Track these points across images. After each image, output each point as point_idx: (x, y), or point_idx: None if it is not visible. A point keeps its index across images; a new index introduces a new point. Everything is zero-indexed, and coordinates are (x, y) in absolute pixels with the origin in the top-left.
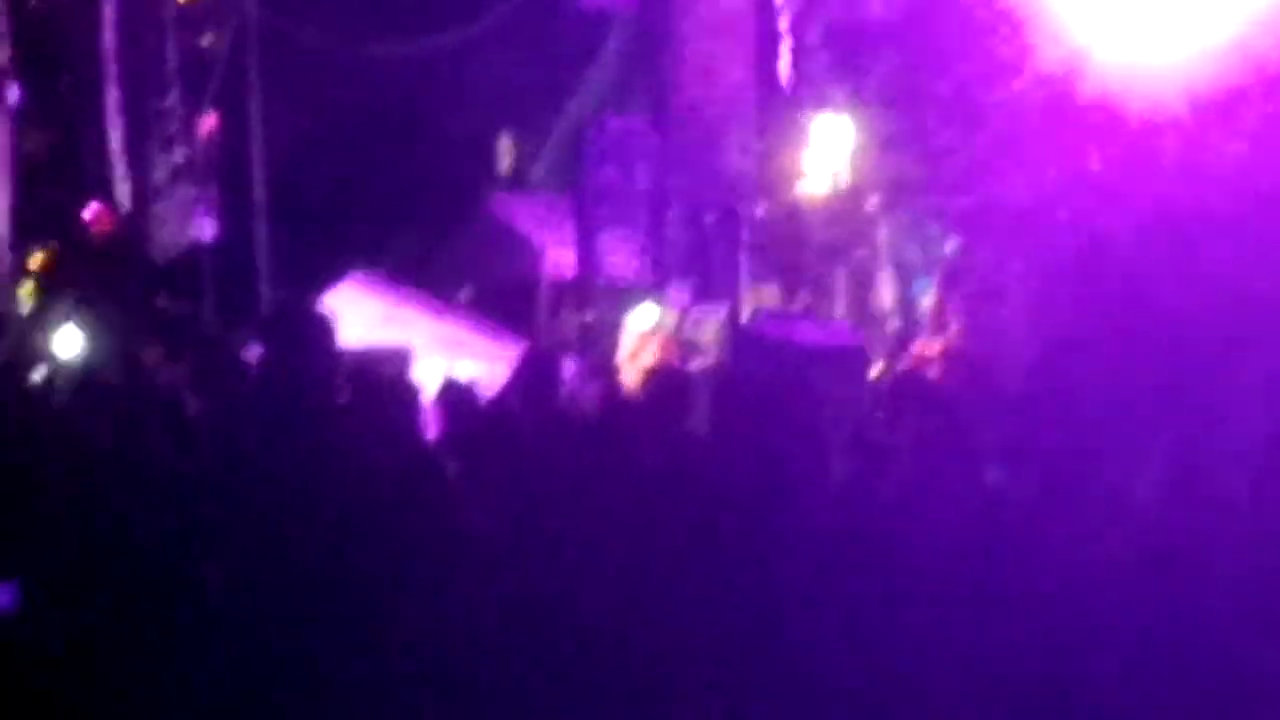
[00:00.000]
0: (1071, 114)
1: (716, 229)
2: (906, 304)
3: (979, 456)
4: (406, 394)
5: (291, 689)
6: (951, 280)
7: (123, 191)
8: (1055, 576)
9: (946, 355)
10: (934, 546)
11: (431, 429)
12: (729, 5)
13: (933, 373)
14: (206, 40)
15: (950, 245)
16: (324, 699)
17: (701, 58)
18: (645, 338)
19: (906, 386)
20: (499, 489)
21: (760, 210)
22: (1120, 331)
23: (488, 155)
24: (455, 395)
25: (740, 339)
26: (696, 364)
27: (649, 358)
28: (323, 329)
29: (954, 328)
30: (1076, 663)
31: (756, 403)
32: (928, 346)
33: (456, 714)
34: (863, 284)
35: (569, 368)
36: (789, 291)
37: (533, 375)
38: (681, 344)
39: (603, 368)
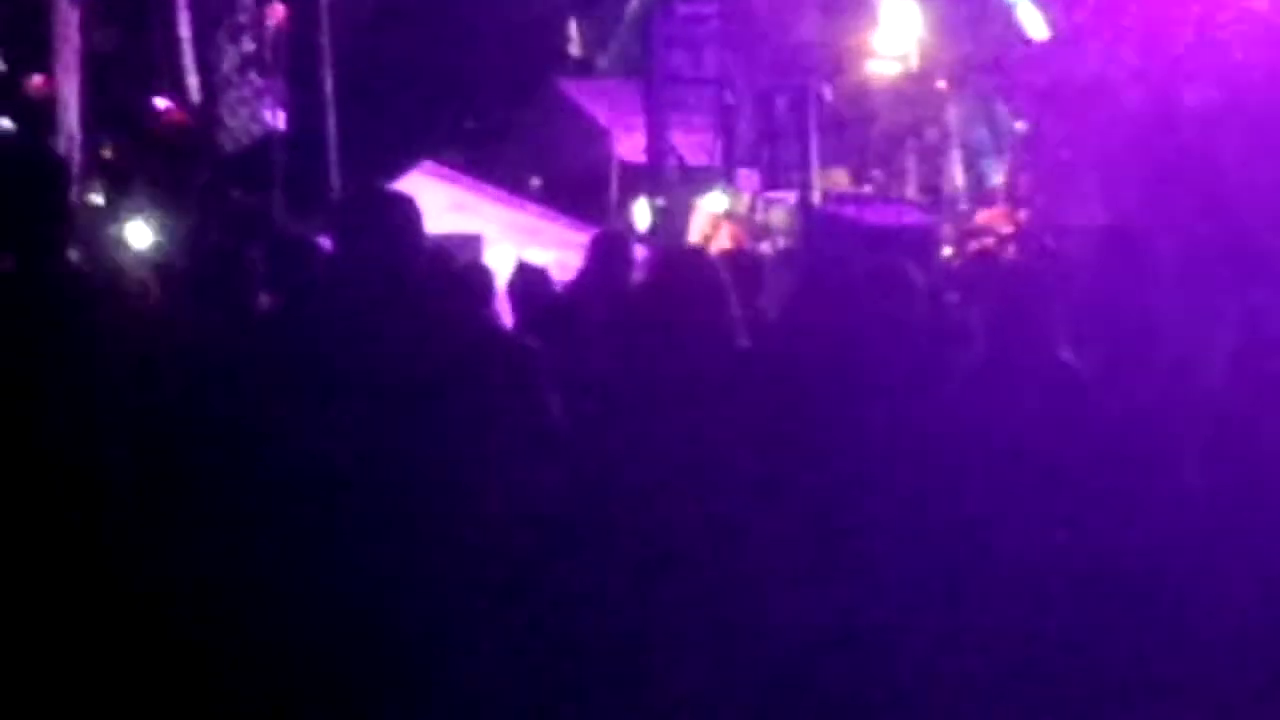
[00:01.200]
0: None
1: (786, 112)
2: (976, 183)
3: (1053, 335)
4: (480, 280)
5: (364, 575)
6: (1021, 158)
7: (191, 84)
8: (1123, 458)
9: (1017, 232)
10: (1007, 426)
11: (505, 314)
12: None
13: (1004, 250)
14: None
15: (1019, 124)
16: (395, 582)
17: None
18: (716, 220)
19: (979, 265)
20: (572, 373)
21: (829, 93)
22: (1190, 206)
23: (556, 41)
24: (528, 279)
25: (812, 221)
26: (768, 246)
27: (721, 240)
28: (407, 213)
29: (1024, 205)
30: (1146, 554)
31: (833, 284)
32: (998, 223)
33: (521, 597)
34: (932, 165)
35: (641, 252)
36: (859, 174)
37: (605, 259)
38: (752, 226)
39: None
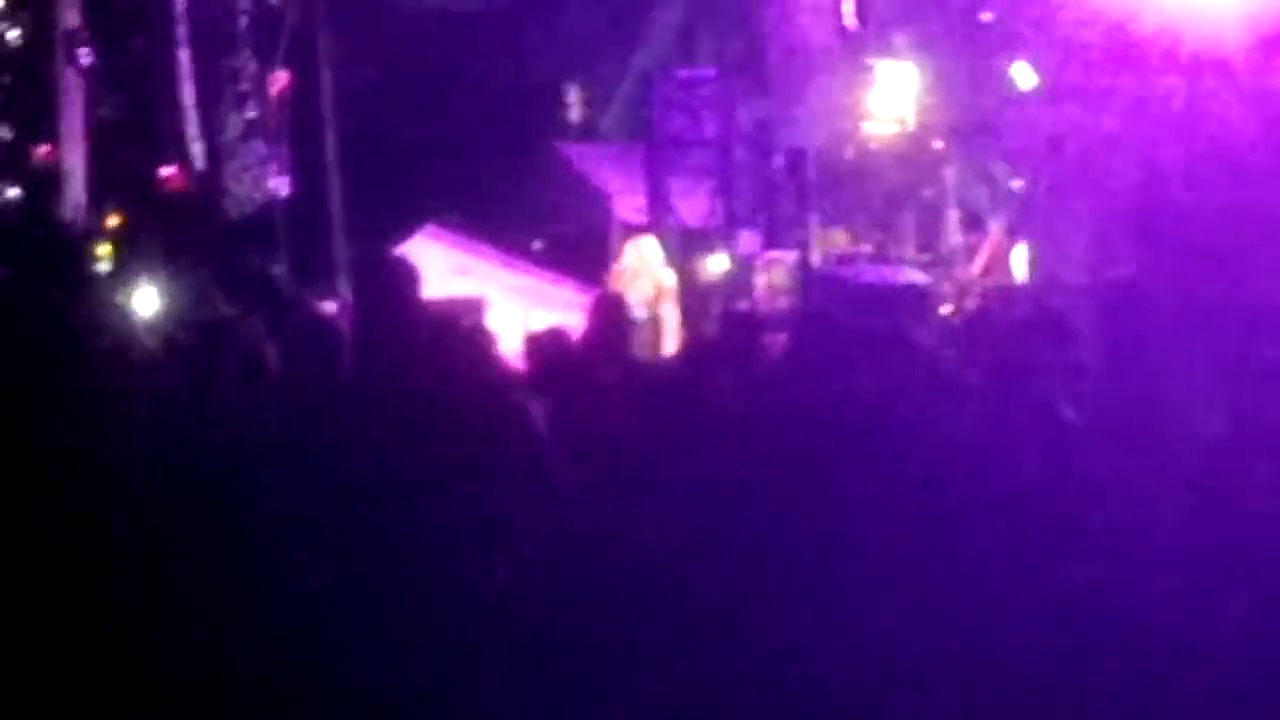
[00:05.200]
0: (1133, 49)
1: (784, 174)
2: (973, 245)
3: (1052, 391)
4: (484, 342)
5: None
6: (1016, 218)
7: (196, 150)
8: (1125, 515)
9: (1008, 291)
10: (1009, 481)
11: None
12: None
13: (997, 308)
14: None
15: (1016, 183)
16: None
17: (784, 5)
18: (634, 272)
19: (978, 323)
20: (582, 432)
21: (828, 154)
22: (1184, 263)
23: (557, 105)
24: (544, 343)
25: (812, 281)
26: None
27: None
28: (408, 278)
29: (1015, 264)
30: (1153, 605)
31: (833, 343)
32: (991, 281)
33: (528, 651)
34: (930, 225)
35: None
36: (857, 233)
37: (606, 322)
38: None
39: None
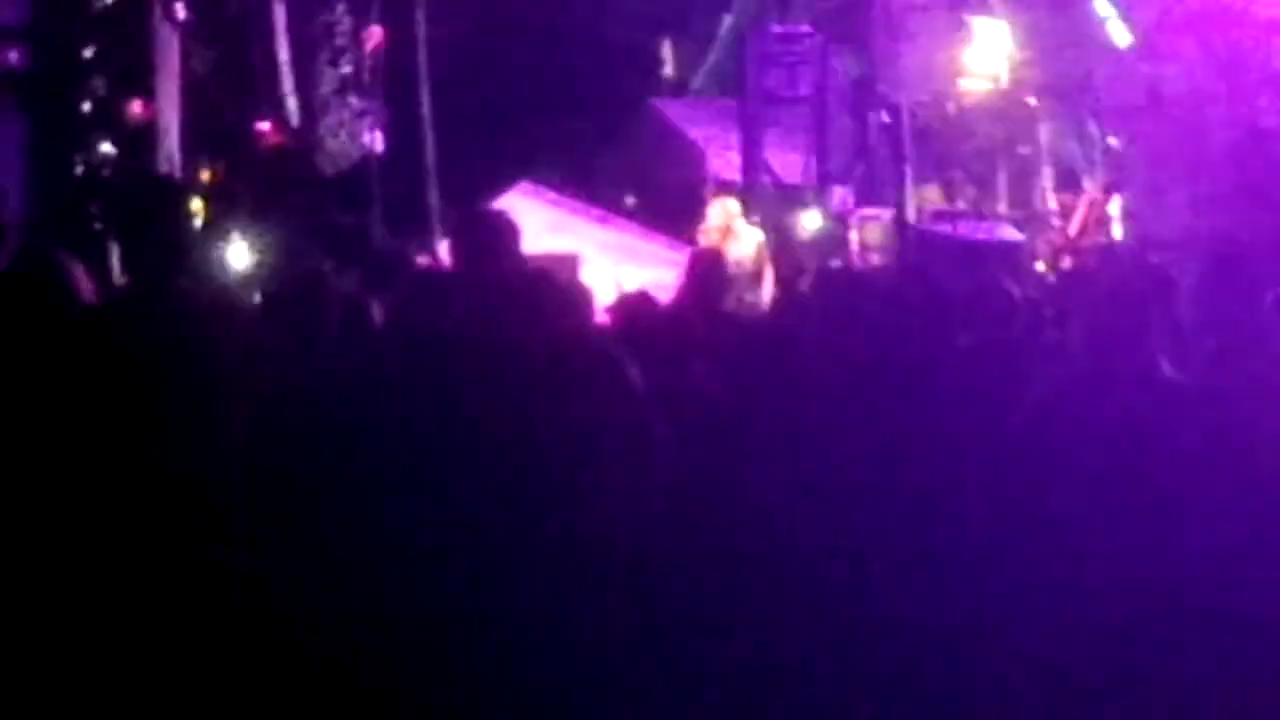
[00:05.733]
0: (1231, 5)
1: (879, 130)
2: (1068, 203)
3: (1152, 349)
4: (581, 297)
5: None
6: (1112, 176)
7: (291, 106)
8: (1222, 474)
9: (1106, 249)
10: (1105, 439)
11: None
12: None
13: (1095, 265)
14: None
15: (1111, 140)
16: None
17: None
18: (722, 230)
19: (1076, 280)
20: (676, 388)
21: (923, 111)
22: (1273, 221)
23: (651, 62)
24: (632, 304)
25: (908, 238)
26: (866, 263)
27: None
28: (509, 233)
29: (1113, 223)
30: (1238, 571)
31: (932, 300)
32: (1088, 240)
33: (625, 609)
34: (1025, 182)
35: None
36: (951, 191)
37: (702, 278)
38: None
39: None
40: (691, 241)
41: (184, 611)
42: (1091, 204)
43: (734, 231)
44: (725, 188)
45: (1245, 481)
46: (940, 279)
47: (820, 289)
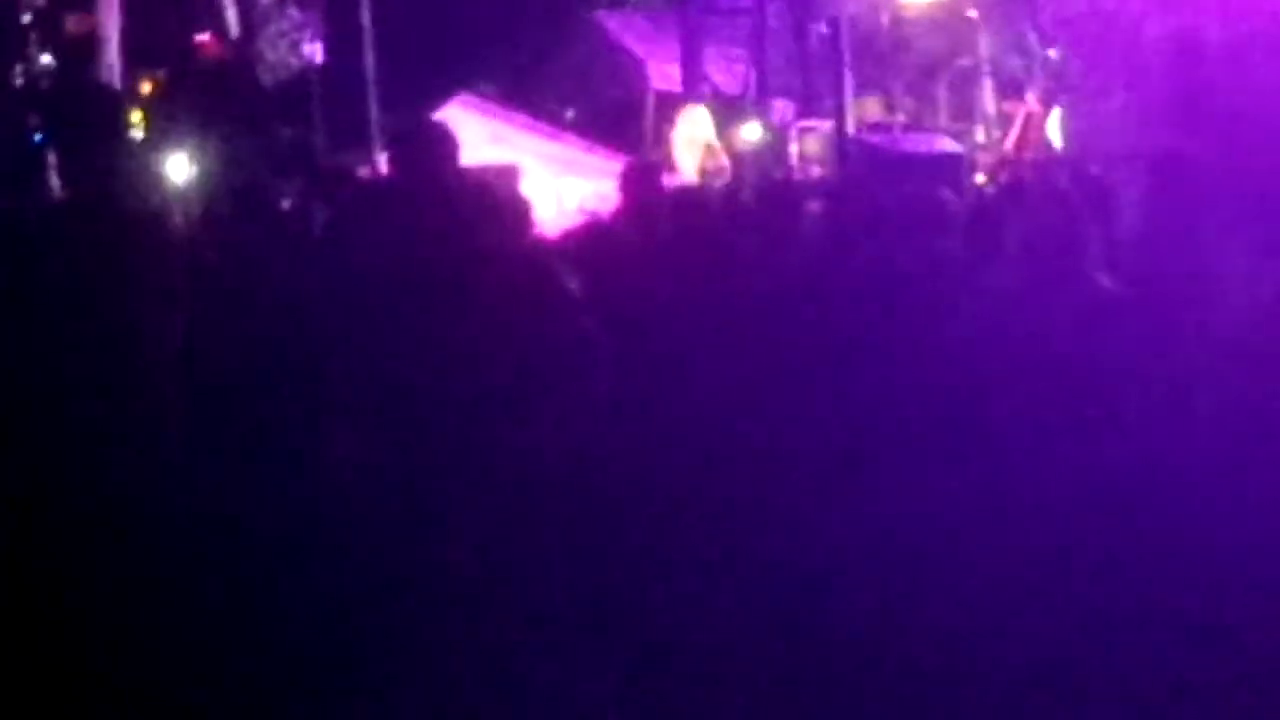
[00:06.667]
0: None
1: (819, 43)
2: (1007, 114)
3: (1088, 258)
4: (521, 209)
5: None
6: (1051, 88)
7: (230, 18)
8: (1155, 382)
9: (1045, 160)
10: (1040, 345)
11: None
12: None
13: (1033, 177)
14: None
15: (1051, 52)
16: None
17: None
18: (711, 149)
19: (1013, 192)
20: (618, 299)
21: (863, 23)
22: (1219, 135)
23: None
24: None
25: (847, 150)
26: (805, 174)
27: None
28: (448, 145)
29: (1050, 133)
30: (1164, 478)
31: (869, 213)
32: (1026, 152)
33: (561, 518)
34: (965, 93)
35: (675, 179)
36: (891, 103)
37: (636, 190)
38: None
39: (712, 178)
40: (632, 152)
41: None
42: (1029, 116)
43: (704, 143)
44: (666, 100)
45: (1178, 393)
46: (877, 190)
47: (760, 201)
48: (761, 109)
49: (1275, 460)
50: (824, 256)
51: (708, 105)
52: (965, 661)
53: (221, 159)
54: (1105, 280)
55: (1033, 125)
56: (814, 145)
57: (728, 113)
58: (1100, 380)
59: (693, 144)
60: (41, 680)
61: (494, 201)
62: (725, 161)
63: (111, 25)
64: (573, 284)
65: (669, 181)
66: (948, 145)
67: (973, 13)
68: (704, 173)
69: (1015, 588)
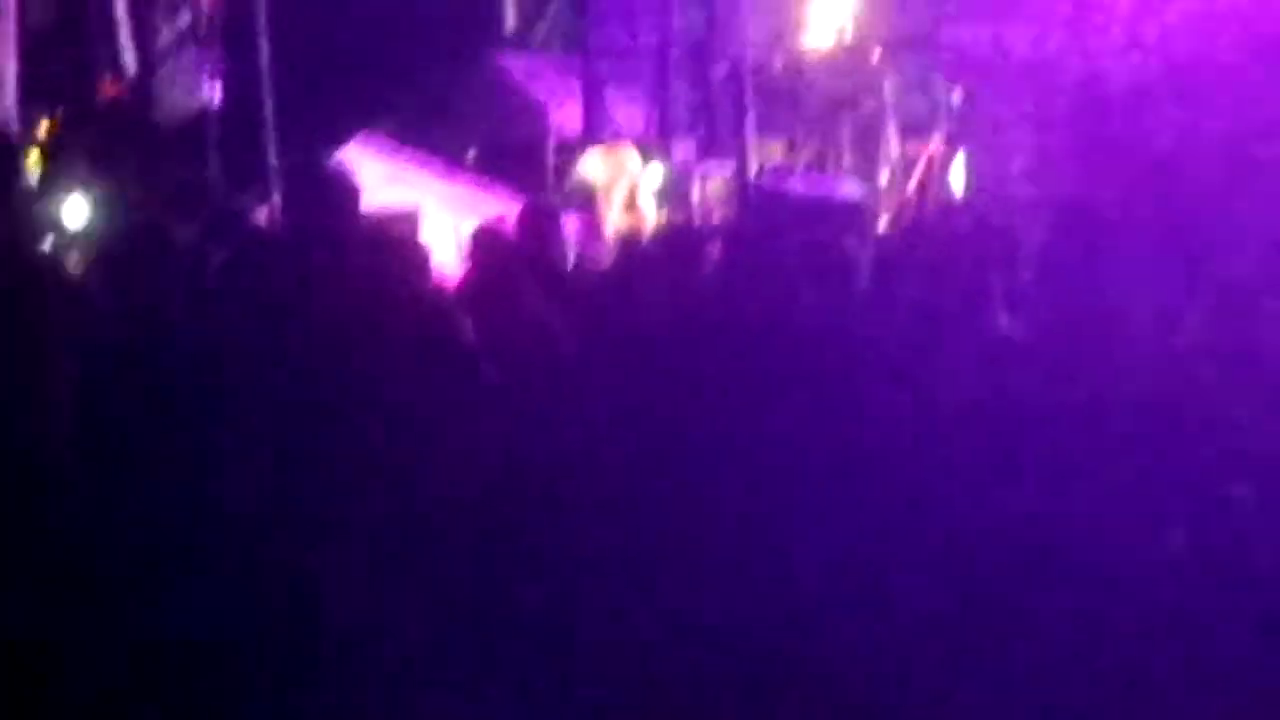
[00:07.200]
0: None
1: (722, 84)
2: (911, 157)
3: (990, 309)
4: (418, 255)
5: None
6: (954, 131)
7: (128, 58)
8: (1065, 435)
9: (947, 205)
10: (945, 399)
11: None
12: None
13: (935, 223)
14: None
15: (955, 97)
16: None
17: None
18: (654, 191)
19: (915, 239)
20: (513, 342)
21: (766, 64)
22: (1125, 181)
23: (492, 14)
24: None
25: (747, 194)
26: (704, 218)
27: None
28: (345, 189)
29: (953, 177)
30: (1074, 521)
31: (765, 255)
32: (929, 196)
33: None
34: (869, 136)
35: (572, 224)
36: (795, 145)
37: (532, 231)
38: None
39: (612, 221)
40: (533, 193)
41: None
42: (931, 160)
43: (617, 181)
44: (567, 143)
45: (1079, 440)
46: (778, 235)
47: (661, 245)
48: (663, 151)
49: (1177, 499)
50: (718, 303)
51: (609, 146)
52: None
53: (117, 200)
54: (1006, 325)
55: (936, 169)
56: (717, 187)
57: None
58: (1002, 428)
59: (616, 187)
60: None
61: (391, 248)
62: (643, 213)
63: (9, 67)
64: (469, 328)
65: (578, 223)
66: (850, 189)
67: (876, 54)
68: (629, 213)
69: (916, 628)
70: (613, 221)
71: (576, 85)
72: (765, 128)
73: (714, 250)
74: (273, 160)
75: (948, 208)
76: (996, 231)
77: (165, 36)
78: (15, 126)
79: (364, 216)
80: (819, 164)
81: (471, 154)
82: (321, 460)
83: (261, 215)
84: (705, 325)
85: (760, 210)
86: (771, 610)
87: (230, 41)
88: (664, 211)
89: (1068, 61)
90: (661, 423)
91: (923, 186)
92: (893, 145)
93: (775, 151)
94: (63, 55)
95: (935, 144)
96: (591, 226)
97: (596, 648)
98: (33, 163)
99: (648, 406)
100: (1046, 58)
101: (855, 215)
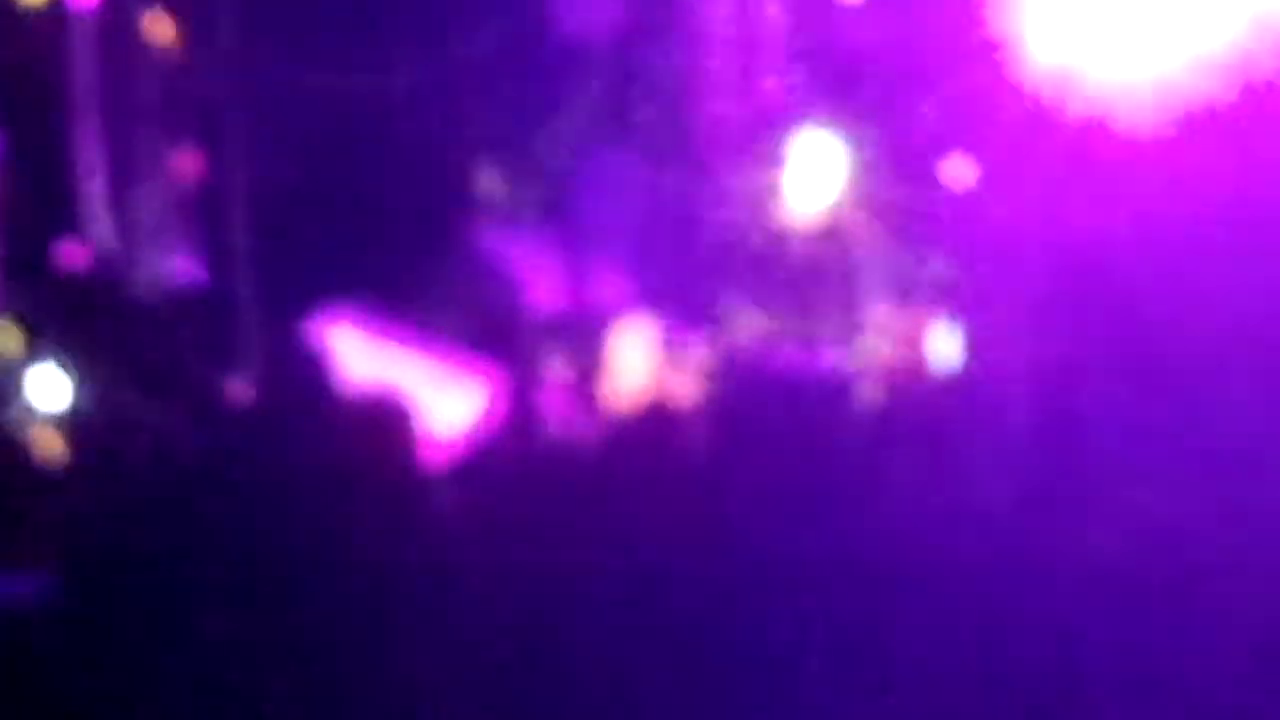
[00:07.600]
0: (1058, 134)
1: (704, 253)
2: (898, 324)
3: (980, 481)
4: (401, 432)
5: None
6: (940, 302)
7: (103, 233)
8: (1061, 601)
9: (935, 376)
10: (941, 573)
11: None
12: (719, 30)
13: (920, 396)
14: (186, 79)
15: (938, 266)
16: None
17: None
18: (635, 366)
19: (900, 413)
20: (491, 519)
21: (748, 233)
22: (1116, 354)
23: (472, 189)
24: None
25: (728, 367)
26: (685, 392)
27: (640, 384)
28: (324, 366)
29: (938, 351)
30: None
31: (748, 430)
32: (913, 369)
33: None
34: (850, 307)
35: (556, 399)
36: (777, 315)
37: (515, 406)
38: (667, 372)
39: (594, 398)
40: (515, 367)
41: None
42: (915, 326)
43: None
44: (546, 318)
45: (1063, 608)
46: (759, 411)
47: (636, 422)
48: (645, 323)
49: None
50: (701, 482)
51: (587, 323)
52: None
53: (90, 378)
54: (992, 493)
55: (920, 336)
56: (695, 360)
57: (609, 331)
58: (998, 594)
59: (634, 367)
60: None
61: (372, 425)
62: (631, 386)
63: None
64: (453, 504)
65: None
66: (834, 361)
67: (863, 221)
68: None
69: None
70: (601, 395)
71: (556, 258)
72: (749, 296)
73: (695, 426)
74: (251, 337)
75: (936, 379)
76: (983, 399)
77: (142, 210)
78: None
79: (344, 394)
80: (802, 334)
81: (450, 327)
82: (302, 638)
83: (239, 394)
84: (685, 509)
85: (740, 383)
86: None
87: (209, 218)
88: (646, 386)
89: (1052, 225)
90: (640, 613)
91: (907, 354)
92: (880, 312)
93: (756, 322)
94: (38, 229)
95: (921, 312)
96: (579, 400)
97: None
98: (7, 336)
99: (627, 593)
100: (1031, 222)
101: (841, 391)
